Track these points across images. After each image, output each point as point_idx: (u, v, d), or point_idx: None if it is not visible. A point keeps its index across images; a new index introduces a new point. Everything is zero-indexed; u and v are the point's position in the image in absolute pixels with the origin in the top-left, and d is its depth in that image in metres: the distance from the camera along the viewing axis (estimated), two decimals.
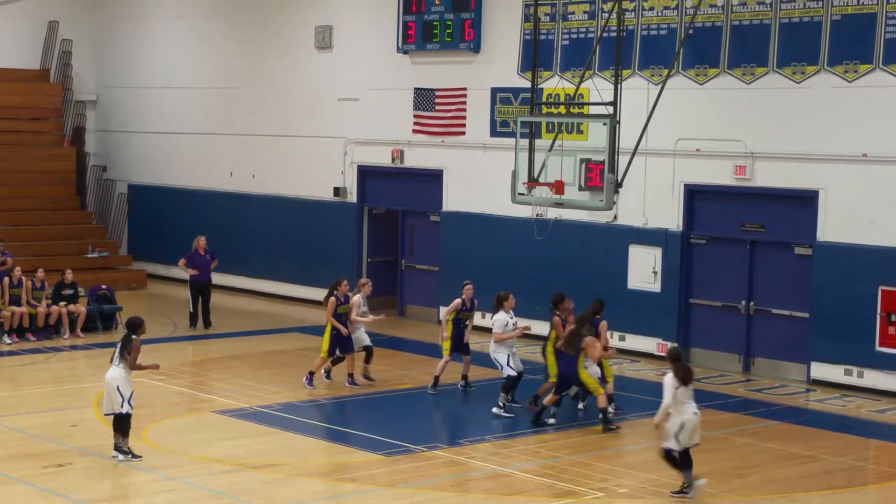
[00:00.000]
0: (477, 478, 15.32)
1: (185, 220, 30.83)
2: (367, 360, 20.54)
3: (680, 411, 14.22)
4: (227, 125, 31.08)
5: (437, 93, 26.56)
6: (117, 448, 15.50)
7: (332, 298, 19.94)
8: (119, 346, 15.83)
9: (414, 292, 27.71)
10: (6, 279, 23.72)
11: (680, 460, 14.43)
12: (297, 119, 29.48)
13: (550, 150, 20.86)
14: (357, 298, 20.47)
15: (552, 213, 21.40)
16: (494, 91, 25.53)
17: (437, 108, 26.61)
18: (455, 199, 26.41)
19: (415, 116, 26.99)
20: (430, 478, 15.32)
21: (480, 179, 25.65)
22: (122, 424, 15.54)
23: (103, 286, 25.55)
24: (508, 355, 18.96)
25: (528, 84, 23.10)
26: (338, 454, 16.49)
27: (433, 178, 26.80)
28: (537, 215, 20.93)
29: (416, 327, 26.17)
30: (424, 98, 26.85)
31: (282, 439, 17.10)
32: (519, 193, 20.71)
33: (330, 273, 28.38)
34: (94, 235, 32.10)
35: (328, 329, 19.90)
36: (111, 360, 15.75)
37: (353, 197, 28.40)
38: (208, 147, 31.59)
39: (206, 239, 25.64)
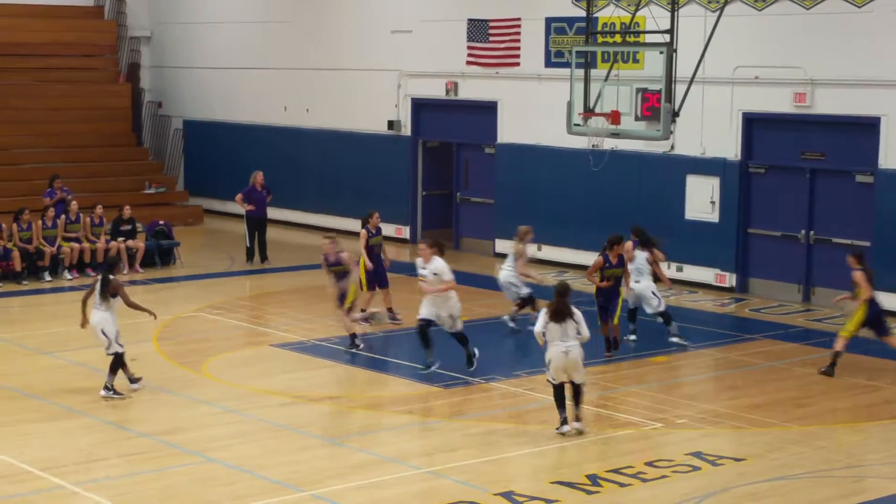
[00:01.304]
0: (534, 409, 15.31)
1: (240, 156, 30.88)
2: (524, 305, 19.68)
3: (550, 348, 14.02)
4: (280, 59, 30.99)
5: (491, 23, 26.31)
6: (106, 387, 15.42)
7: (364, 231, 19.86)
8: (98, 287, 15.55)
9: (469, 225, 27.63)
10: (63, 216, 23.93)
11: (554, 395, 14.17)
12: (350, 52, 29.34)
13: (606, 79, 20.58)
14: (521, 248, 19.74)
15: (608, 144, 21.18)
16: (549, 21, 25.24)
17: (491, 39, 26.36)
18: (509, 130, 26.23)
19: (468, 48, 26.76)
20: (487, 409, 15.33)
21: (535, 111, 25.44)
22: (115, 364, 15.46)
23: (161, 222, 25.69)
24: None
25: (582, 13, 22.75)
26: (395, 386, 16.54)
27: (487, 110, 26.62)
28: (593, 146, 20.70)
29: (471, 260, 26.10)
30: (478, 29, 26.59)
31: (339, 372, 17.19)
32: (574, 124, 20.49)
33: (384, 206, 28.50)
34: (150, 171, 32.25)
35: (362, 263, 19.76)
36: (85, 301, 15.46)
37: (406, 130, 28.29)
38: (262, 82, 31.54)
39: (263, 174, 25.67)
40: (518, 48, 25.91)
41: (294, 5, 30.73)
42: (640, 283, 18.53)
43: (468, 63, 26.80)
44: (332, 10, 29.80)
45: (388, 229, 28.42)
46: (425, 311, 16.74)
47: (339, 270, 18.30)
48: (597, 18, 23.27)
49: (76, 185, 27.04)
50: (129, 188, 30.51)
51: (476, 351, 17.00)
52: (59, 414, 14.82)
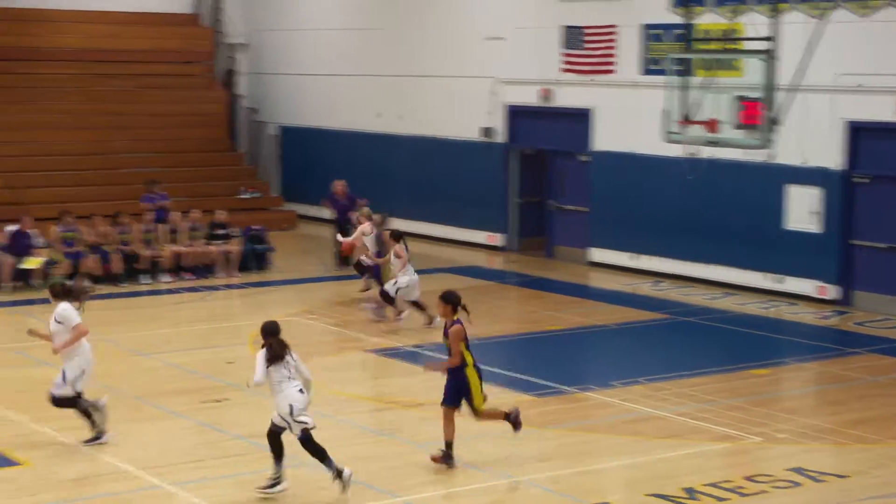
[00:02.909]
0: (629, 420, 15.12)
1: (334, 161, 31.00)
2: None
3: (282, 391, 12.14)
4: (374, 66, 31.08)
5: (586, 30, 26.13)
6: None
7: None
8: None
9: (562, 233, 27.44)
10: (161, 221, 24.21)
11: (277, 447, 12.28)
12: (444, 59, 29.33)
13: (704, 87, 20.34)
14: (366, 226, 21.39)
15: (705, 153, 20.92)
16: (645, 28, 25.01)
17: (586, 45, 26.18)
18: (604, 138, 26.01)
19: (563, 55, 26.60)
20: (580, 419, 15.18)
21: (630, 118, 25.20)
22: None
23: (255, 226, 25.87)
24: None
25: (680, 20, 22.52)
26: (487, 394, 16.37)
27: (581, 118, 26.42)
28: (690, 154, 20.49)
29: (564, 268, 25.94)
30: (573, 36, 26.43)
31: (432, 378, 17.08)
32: (671, 132, 20.27)
33: (477, 214, 28.48)
34: (245, 176, 32.53)
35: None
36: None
37: (500, 137, 28.20)
38: (356, 88, 31.66)
39: (347, 183, 25.76)
40: (613, 55, 25.71)
41: (388, 13, 30.81)
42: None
43: (563, 70, 26.64)
44: (425, 17, 29.83)
45: (480, 236, 28.46)
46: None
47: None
48: (694, 25, 23.03)
49: (173, 189, 27.32)
50: (225, 193, 30.78)
51: None
52: (157, 415, 14.93)
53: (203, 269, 24.27)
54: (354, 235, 22.01)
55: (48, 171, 29.98)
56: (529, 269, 25.86)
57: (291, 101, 33.62)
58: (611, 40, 25.73)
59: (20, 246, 22.48)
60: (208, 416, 14.93)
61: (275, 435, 12.24)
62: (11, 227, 22.61)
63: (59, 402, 13.59)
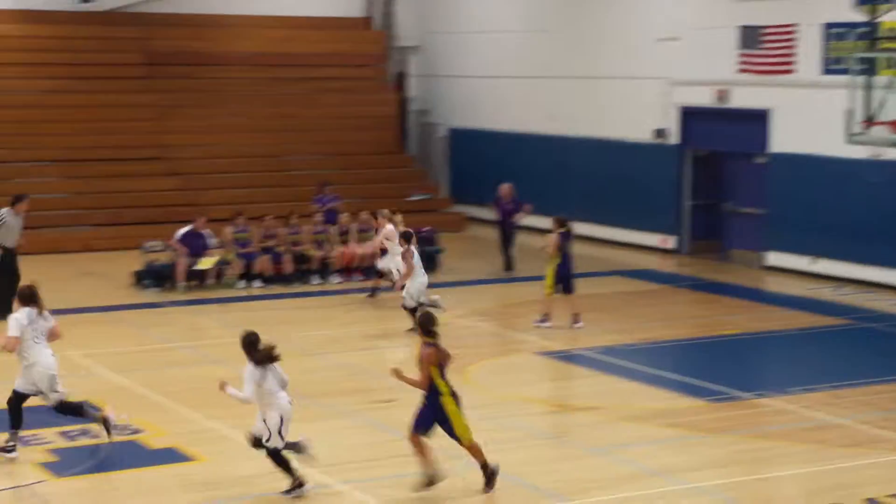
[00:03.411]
0: (807, 428, 14.57)
1: (504, 164, 30.81)
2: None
3: (272, 403, 11.87)
4: (545, 68, 30.85)
5: (764, 30, 25.44)
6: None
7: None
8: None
9: (738, 236, 26.75)
10: (333, 222, 24.39)
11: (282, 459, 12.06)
12: (616, 60, 28.92)
13: (889, 87, 19.59)
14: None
15: (890, 154, 20.15)
16: (826, 26, 24.21)
17: (764, 45, 25.49)
18: (782, 139, 25.26)
19: (740, 55, 25.94)
20: (756, 426, 14.70)
21: (810, 119, 24.41)
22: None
23: (425, 228, 25.86)
24: None
25: (863, 19, 21.75)
26: (660, 399, 16.02)
27: (758, 119, 25.72)
28: (874, 156, 19.76)
29: (739, 272, 25.28)
30: (750, 36, 25.76)
31: (603, 382, 16.80)
32: (854, 134, 19.59)
33: (649, 216, 27.99)
34: (414, 179, 32.63)
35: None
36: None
37: (674, 138, 27.66)
38: (527, 90, 31.47)
39: (514, 186, 25.55)
40: (792, 55, 24.96)
41: (560, 14, 30.56)
42: None
43: (739, 71, 25.99)
44: (597, 19, 29.47)
45: (652, 239, 27.98)
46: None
47: None
48: (879, 23, 22.22)
49: (343, 191, 27.54)
50: (395, 195, 30.90)
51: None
52: (326, 414, 14.95)
53: (372, 269, 24.32)
54: (376, 239, 21.67)
55: (223, 174, 30.60)
56: (703, 272, 25.29)
57: (462, 103, 33.61)
58: (790, 39, 25.00)
59: (195, 246, 22.88)
60: (377, 416, 14.88)
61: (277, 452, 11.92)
62: (186, 228, 23.02)
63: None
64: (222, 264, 23.17)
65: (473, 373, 17.05)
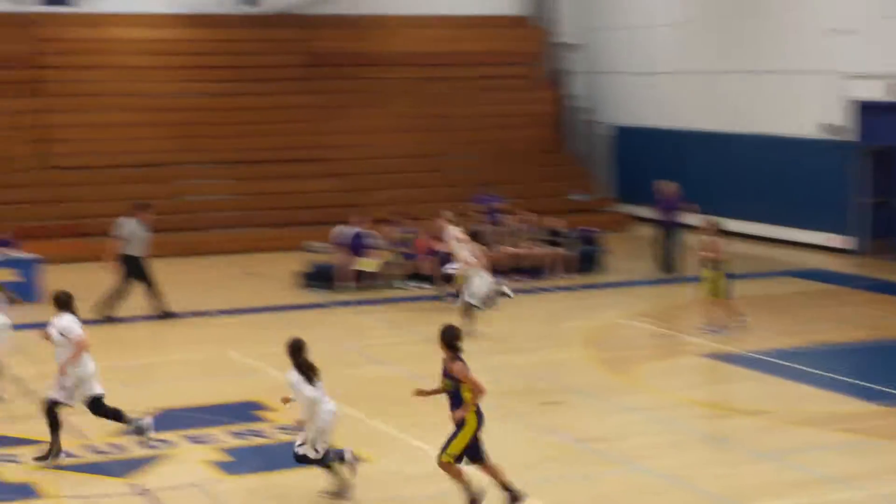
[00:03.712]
0: None
1: (670, 162, 30.22)
2: None
3: (323, 407, 11.68)
4: (711, 63, 30.31)
5: None
6: None
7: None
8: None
9: None
10: (493, 225, 24.31)
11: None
12: (782, 54, 28.22)
13: None
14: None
15: None
16: None
17: None
18: None
19: None
20: None
21: None
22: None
23: (586, 228, 25.61)
24: None
25: None
26: (832, 403, 15.51)
27: None
28: None
29: None
30: None
31: (772, 385, 16.36)
32: None
33: (816, 214, 27.18)
34: (574, 177, 32.34)
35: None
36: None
37: (846, 134, 26.80)
38: (693, 86, 30.95)
39: (678, 185, 25.02)
40: None
41: (726, 7, 29.97)
42: None
43: None
44: (763, 11, 28.81)
45: (818, 238, 27.21)
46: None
47: None
48: None
49: (502, 190, 27.41)
50: (553, 194, 30.70)
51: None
52: (493, 415, 14.78)
53: (535, 270, 24.21)
54: (447, 242, 20.82)
55: (384, 174, 30.79)
56: (880, 272, 24.46)
57: (625, 100, 33.21)
58: None
59: (356, 246, 23.02)
60: (540, 418, 14.73)
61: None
62: (350, 228, 23.17)
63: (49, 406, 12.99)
64: (388, 265, 23.25)
65: (640, 375, 16.80)
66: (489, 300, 19.21)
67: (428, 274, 23.06)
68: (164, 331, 19.93)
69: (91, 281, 20.52)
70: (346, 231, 23.19)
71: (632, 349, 18.35)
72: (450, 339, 11.41)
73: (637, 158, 32.41)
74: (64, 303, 13.12)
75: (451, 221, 20.96)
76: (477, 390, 11.32)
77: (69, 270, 21.96)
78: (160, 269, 20.84)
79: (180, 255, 26.13)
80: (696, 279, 22.10)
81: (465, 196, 26.96)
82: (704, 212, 26.86)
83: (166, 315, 20.37)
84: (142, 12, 30.82)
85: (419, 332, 19.13)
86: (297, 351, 11.75)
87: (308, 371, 11.65)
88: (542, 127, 33.10)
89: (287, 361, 11.91)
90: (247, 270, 25.38)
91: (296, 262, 23.81)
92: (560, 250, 24.52)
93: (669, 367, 17.59)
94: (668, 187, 25.06)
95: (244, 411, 14.90)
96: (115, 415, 13.17)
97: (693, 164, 29.49)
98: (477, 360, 17.35)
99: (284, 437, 13.60)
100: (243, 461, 13.15)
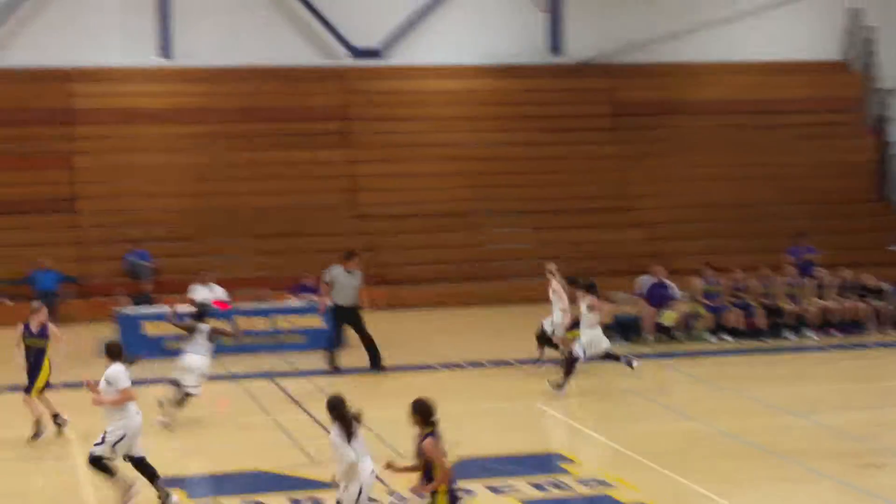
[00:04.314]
0: None
1: None
2: None
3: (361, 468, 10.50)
4: None
5: None
6: None
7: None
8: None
9: None
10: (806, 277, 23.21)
11: None
12: None
13: None
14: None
15: None
16: None
17: None
18: None
19: None
20: None
21: None
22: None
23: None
24: None
25: None
26: None
27: None
28: None
29: None
30: None
31: None
32: None
33: None
34: (894, 228, 30.61)
35: None
36: None
37: None
38: None
39: None
40: None
41: None
42: None
43: None
44: None
45: None
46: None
47: (37, 345, 15.72)
48: None
49: (817, 242, 26.17)
50: (871, 246, 29.15)
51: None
52: (802, 475, 13.87)
53: (851, 325, 22.87)
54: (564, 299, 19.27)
55: (688, 223, 30.03)
56: None
57: None
58: None
59: (657, 297, 22.36)
60: (861, 480, 13.61)
61: None
62: (650, 278, 22.56)
63: (94, 461, 12.54)
64: (691, 318, 22.51)
65: None
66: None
67: (732, 326, 22.21)
68: (463, 378, 19.72)
69: (395, 328, 20.56)
70: (646, 281, 22.58)
71: None
72: (423, 413, 10.30)
73: None
74: (115, 353, 12.87)
75: (554, 274, 19.68)
76: (442, 473, 10.15)
77: (372, 317, 22.08)
78: (465, 318, 20.69)
79: (483, 304, 26.16)
80: None
81: (777, 247, 25.86)
82: None
83: (335, 370, 19.71)
84: (449, 64, 31.22)
85: (721, 387, 18.39)
86: (333, 409, 10.69)
87: (349, 428, 10.60)
88: (860, 175, 31.63)
89: None
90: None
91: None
92: (876, 304, 23.09)
93: None
94: None
95: (547, 463, 14.44)
96: (151, 476, 12.74)
97: None
98: (785, 418, 16.50)
99: (586, 491, 13.05)
100: None
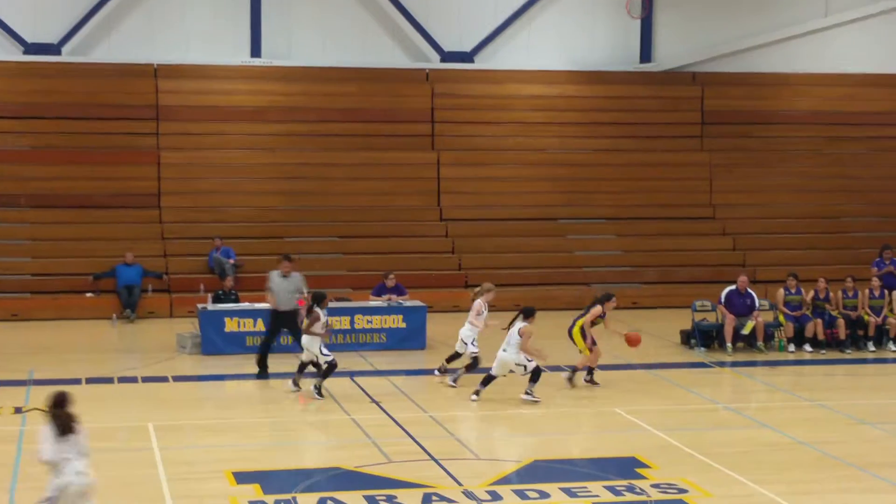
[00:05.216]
0: None
1: None
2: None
3: (60, 470, 10.63)
4: None
5: None
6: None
7: None
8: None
9: None
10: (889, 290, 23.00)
11: None
12: None
13: None
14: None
15: None
16: None
17: None
18: None
19: None
20: None
21: None
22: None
23: None
24: None
25: None
26: None
27: None
28: None
29: None
30: None
31: None
32: None
33: None
34: None
35: None
36: None
37: None
38: None
39: None
40: None
41: None
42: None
43: None
44: None
45: None
46: None
47: None
48: None
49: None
50: None
51: None
52: (881, 487, 13.80)
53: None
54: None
55: (775, 234, 29.93)
56: None
57: None
58: None
59: (738, 306, 22.26)
60: None
61: None
62: (731, 288, 22.49)
63: None
64: (772, 327, 22.42)
65: None
66: None
67: (813, 337, 22.08)
68: (541, 381, 19.79)
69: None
70: (729, 290, 22.51)
71: None
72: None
73: None
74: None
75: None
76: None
77: (453, 319, 22.20)
78: (545, 322, 20.69)
79: (564, 308, 26.17)
80: None
81: (862, 260, 25.64)
82: None
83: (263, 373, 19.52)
84: (538, 69, 31.27)
85: (799, 397, 18.37)
86: (53, 405, 10.88)
87: (60, 427, 10.73)
88: None
89: None
90: (631, 327, 24.96)
91: (681, 320, 23.32)
92: None
93: None
94: None
95: (623, 467, 14.51)
96: None
97: None
98: (861, 430, 16.39)
99: (661, 496, 13.12)
100: None
